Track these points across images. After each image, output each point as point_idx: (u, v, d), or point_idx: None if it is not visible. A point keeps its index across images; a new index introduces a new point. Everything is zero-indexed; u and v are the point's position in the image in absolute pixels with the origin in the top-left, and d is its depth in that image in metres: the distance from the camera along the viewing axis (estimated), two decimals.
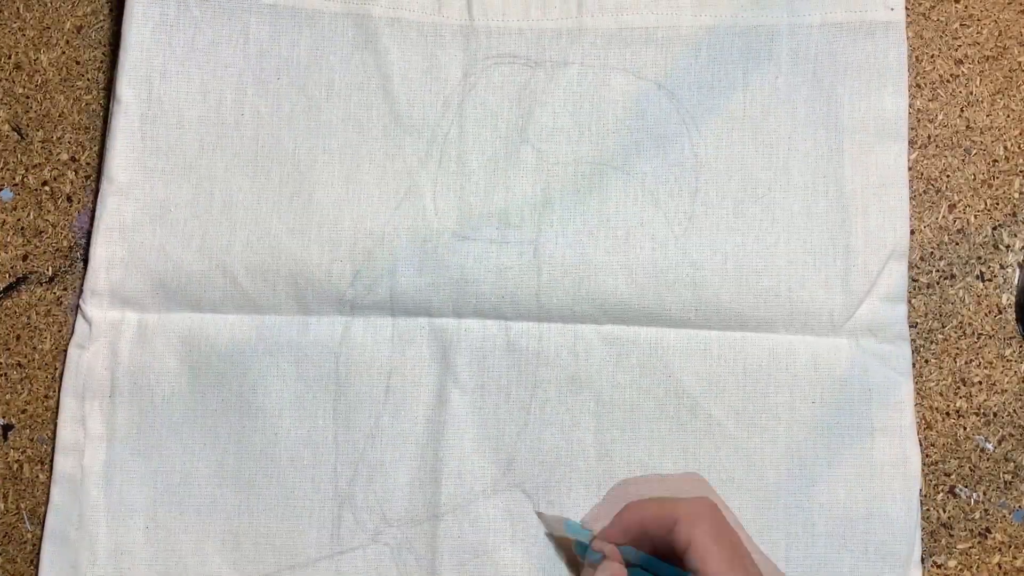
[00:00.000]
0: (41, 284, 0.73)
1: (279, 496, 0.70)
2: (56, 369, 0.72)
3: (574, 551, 0.67)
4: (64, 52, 0.76)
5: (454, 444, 0.70)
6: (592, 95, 0.73)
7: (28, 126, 0.75)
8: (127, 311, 0.72)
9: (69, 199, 0.74)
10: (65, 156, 0.75)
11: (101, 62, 0.76)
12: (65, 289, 0.73)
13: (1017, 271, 0.72)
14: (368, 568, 0.69)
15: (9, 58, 0.76)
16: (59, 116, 0.75)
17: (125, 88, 0.74)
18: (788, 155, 0.72)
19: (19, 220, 0.74)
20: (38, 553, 0.70)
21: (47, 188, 0.74)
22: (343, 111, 0.73)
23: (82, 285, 0.72)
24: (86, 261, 0.72)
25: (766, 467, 0.69)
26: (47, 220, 0.74)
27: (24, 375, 0.72)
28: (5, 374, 0.72)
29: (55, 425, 0.71)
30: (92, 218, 0.72)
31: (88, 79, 0.76)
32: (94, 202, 0.73)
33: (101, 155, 0.73)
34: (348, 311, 0.71)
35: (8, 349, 0.72)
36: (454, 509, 0.69)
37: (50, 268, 0.73)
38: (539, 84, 0.73)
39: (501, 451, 0.69)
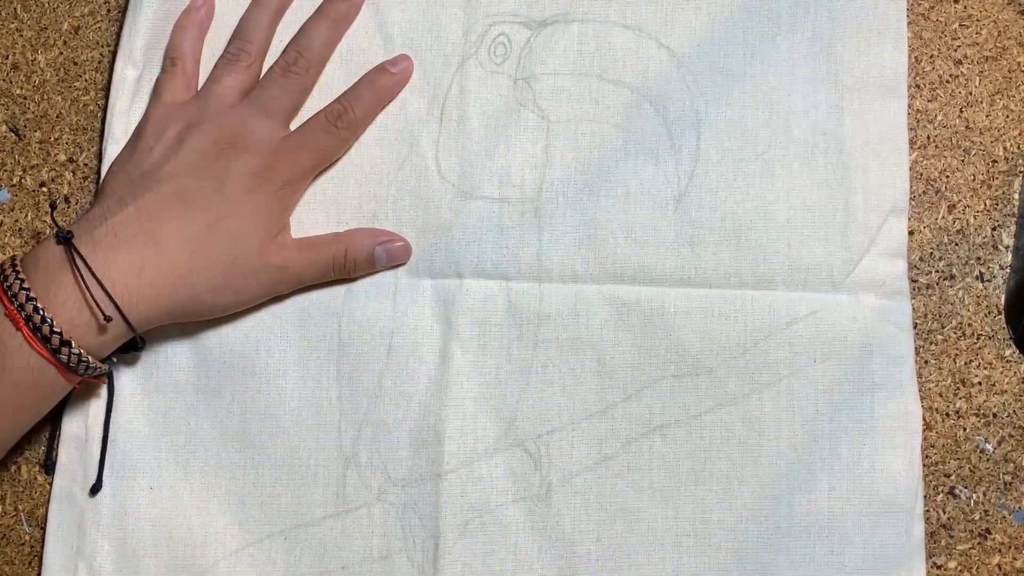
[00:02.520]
0: None
1: (284, 456, 0.71)
2: None
3: None
4: (62, 53, 0.77)
5: (456, 404, 0.71)
6: (593, 53, 0.74)
7: (25, 127, 0.75)
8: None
9: (67, 200, 0.74)
10: (63, 157, 0.75)
11: (99, 63, 0.76)
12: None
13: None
14: (373, 526, 0.70)
15: (6, 59, 0.77)
16: (57, 117, 0.76)
17: (132, 55, 0.75)
18: (788, 113, 0.73)
19: (16, 221, 0.74)
20: (37, 555, 0.70)
21: (45, 189, 0.75)
22: (344, 71, 0.74)
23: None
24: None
25: (767, 424, 0.70)
26: (45, 221, 0.75)
27: None
28: None
29: (52, 425, 0.72)
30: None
31: (86, 80, 0.76)
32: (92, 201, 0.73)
33: (100, 156, 0.74)
34: None
35: None
36: (457, 468, 0.70)
37: None
38: (540, 42, 0.74)
39: (503, 410, 0.71)
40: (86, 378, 0.66)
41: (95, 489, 0.70)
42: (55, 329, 0.62)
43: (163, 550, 0.69)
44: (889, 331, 0.71)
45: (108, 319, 0.64)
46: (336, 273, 0.71)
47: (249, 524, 0.70)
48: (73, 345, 0.63)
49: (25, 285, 0.63)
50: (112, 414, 0.71)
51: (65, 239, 0.64)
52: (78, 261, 0.63)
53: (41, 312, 0.62)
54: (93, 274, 0.63)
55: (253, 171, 0.68)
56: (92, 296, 0.63)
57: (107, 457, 0.71)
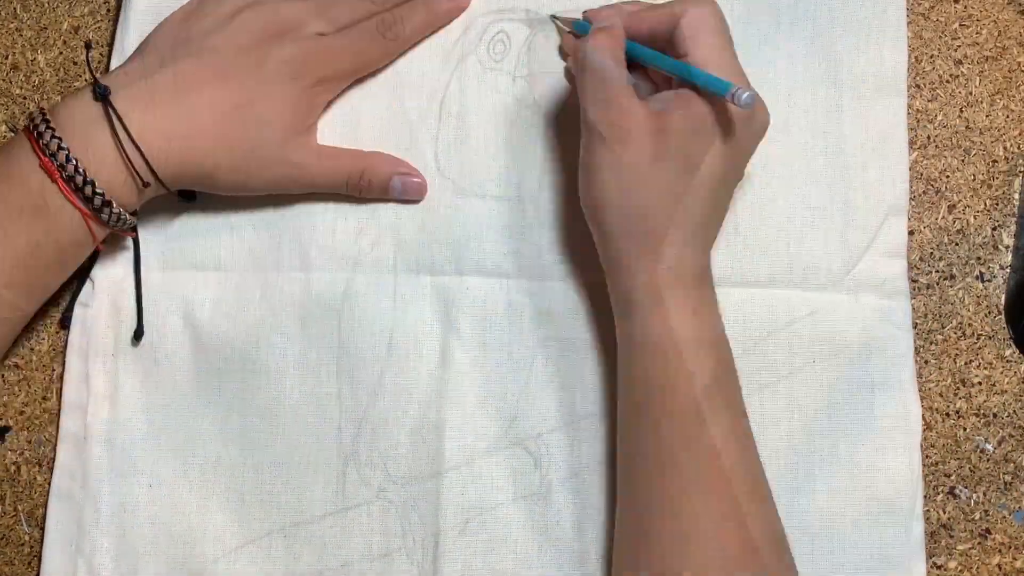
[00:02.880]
0: None
1: (283, 454, 0.71)
2: (54, 371, 0.73)
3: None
4: (61, 53, 0.77)
5: (456, 402, 0.71)
6: None
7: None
8: (130, 269, 0.73)
9: None
10: None
11: (99, 63, 0.76)
12: (62, 291, 0.73)
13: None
14: (372, 524, 0.70)
15: (6, 59, 0.77)
16: None
17: (131, 46, 0.74)
18: (787, 111, 0.73)
19: None
20: (36, 555, 0.70)
21: None
22: None
23: (79, 287, 0.73)
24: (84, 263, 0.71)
25: (767, 423, 0.71)
26: None
27: (21, 377, 0.73)
28: (2, 375, 0.73)
29: (53, 427, 0.72)
30: None
31: (86, 80, 0.76)
32: None
33: None
34: (351, 268, 0.72)
35: (7, 349, 0.72)
36: (457, 466, 0.70)
37: None
38: (540, 40, 0.74)
39: (503, 409, 0.71)
40: (115, 230, 0.67)
41: (138, 335, 0.71)
42: (98, 190, 0.63)
43: (162, 548, 0.70)
44: (888, 331, 0.71)
45: (146, 184, 0.65)
46: (349, 190, 0.71)
47: (249, 522, 0.70)
48: (114, 205, 0.64)
49: (63, 144, 0.63)
50: (112, 412, 0.71)
51: (103, 96, 0.64)
52: (115, 121, 0.64)
53: (83, 173, 0.63)
54: (132, 139, 0.64)
55: (292, 61, 0.68)
56: (129, 158, 0.64)
57: (106, 456, 0.71)
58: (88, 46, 0.73)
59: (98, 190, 0.63)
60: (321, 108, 0.72)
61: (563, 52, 0.73)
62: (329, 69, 0.70)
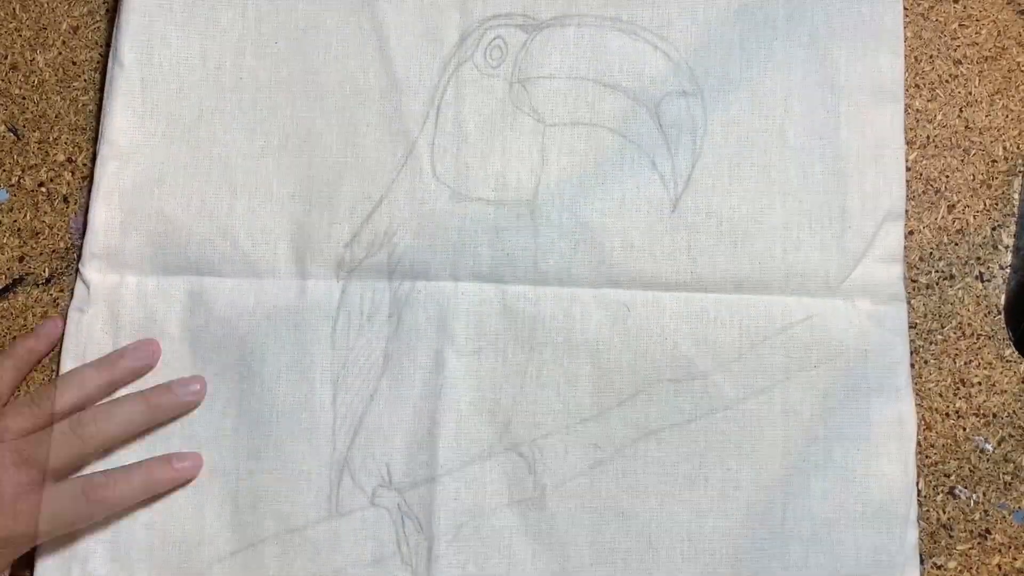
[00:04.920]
0: (37, 286, 0.74)
1: (277, 460, 0.71)
2: (53, 371, 0.73)
3: None
4: (61, 53, 0.77)
5: (451, 407, 0.71)
6: (589, 57, 0.75)
7: (24, 127, 0.76)
8: (126, 274, 0.73)
9: (66, 200, 0.75)
10: (62, 157, 0.75)
11: (98, 63, 0.77)
12: (62, 291, 0.74)
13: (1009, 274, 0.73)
14: (366, 531, 0.70)
15: (5, 58, 0.77)
16: (55, 117, 0.76)
17: (127, 52, 0.76)
18: (784, 117, 0.73)
19: (15, 221, 0.75)
20: (30, 561, 0.70)
21: (43, 189, 0.75)
22: (340, 74, 0.75)
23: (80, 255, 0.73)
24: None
25: (763, 428, 0.71)
26: (43, 221, 0.74)
27: None
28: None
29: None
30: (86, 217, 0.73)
31: (85, 80, 0.76)
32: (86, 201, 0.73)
33: (94, 157, 0.74)
34: (346, 274, 0.72)
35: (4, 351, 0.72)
36: (451, 472, 0.70)
37: (46, 270, 0.74)
38: (536, 46, 0.75)
39: (498, 414, 0.71)
40: None
41: None
42: None
43: (156, 554, 0.69)
44: (884, 336, 0.71)
45: None
46: None
47: (242, 528, 0.70)
48: None
49: None
50: None
51: None
52: None
53: None
54: None
55: None
56: None
57: (100, 462, 0.71)
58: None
59: None
60: (3, 569, 0.67)
61: None
62: (11, 532, 0.65)
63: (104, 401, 0.70)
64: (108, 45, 0.77)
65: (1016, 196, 0.74)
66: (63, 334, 0.72)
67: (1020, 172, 0.74)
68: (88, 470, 0.70)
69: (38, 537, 0.66)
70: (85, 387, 0.69)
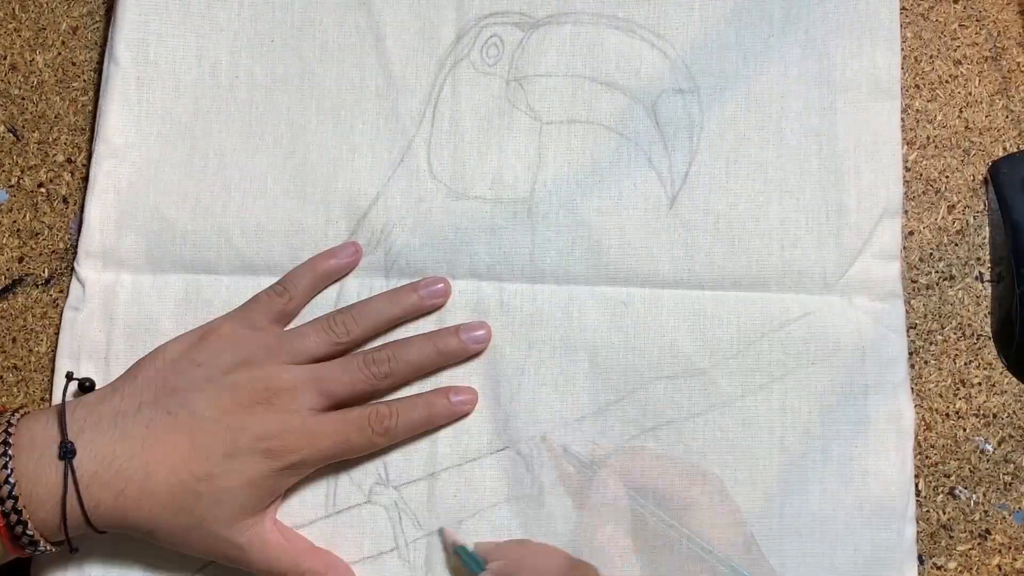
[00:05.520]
0: (37, 286, 0.74)
1: None
2: (53, 372, 0.72)
3: (460, 563, 0.68)
4: (60, 53, 0.77)
5: None
6: (586, 55, 0.75)
7: (24, 127, 0.76)
8: (121, 272, 0.73)
9: (65, 201, 0.75)
10: (61, 158, 0.75)
11: (97, 63, 0.77)
12: (61, 291, 0.74)
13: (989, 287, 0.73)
14: (364, 528, 0.70)
15: (5, 59, 0.77)
16: (55, 117, 0.76)
17: (123, 51, 0.76)
18: (781, 114, 0.74)
19: (15, 222, 0.75)
20: (27, 561, 0.70)
21: (43, 190, 0.75)
22: (336, 72, 0.75)
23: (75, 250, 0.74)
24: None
25: (760, 425, 0.71)
26: (43, 222, 0.75)
27: (20, 378, 0.73)
28: (1, 377, 0.73)
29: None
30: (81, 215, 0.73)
31: (84, 80, 0.76)
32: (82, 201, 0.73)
33: (90, 156, 0.74)
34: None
35: (4, 352, 0.73)
36: (449, 469, 0.70)
37: (46, 270, 0.74)
38: (532, 44, 0.75)
39: (496, 411, 0.71)
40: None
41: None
42: (28, 531, 0.62)
43: (153, 551, 0.69)
44: (882, 333, 0.71)
45: (75, 550, 0.64)
46: None
47: None
48: (41, 544, 0.63)
49: (11, 478, 0.62)
50: None
51: (66, 457, 0.63)
52: (71, 488, 0.62)
53: (20, 512, 0.61)
54: (83, 508, 0.63)
55: (268, 438, 0.65)
56: (65, 516, 0.63)
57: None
58: (83, 387, 0.70)
59: (29, 531, 0.62)
60: (286, 487, 0.68)
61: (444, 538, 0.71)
62: (305, 454, 0.66)
63: (396, 340, 0.71)
64: (102, 46, 0.77)
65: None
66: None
67: (983, 199, 0.74)
68: None
69: (326, 460, 0.68)
70: (381, 318, 0.71)
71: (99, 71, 0.77)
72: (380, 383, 0.69)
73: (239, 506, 0.65)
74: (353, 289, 0.72)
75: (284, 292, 0.70)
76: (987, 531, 0.71)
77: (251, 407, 0.65)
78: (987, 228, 0.74)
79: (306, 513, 0.70)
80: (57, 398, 0.70)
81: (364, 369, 0.68)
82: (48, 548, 0.64)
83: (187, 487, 0.64)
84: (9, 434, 0.63)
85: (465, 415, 0.70)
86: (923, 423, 0.71)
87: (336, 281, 0.72)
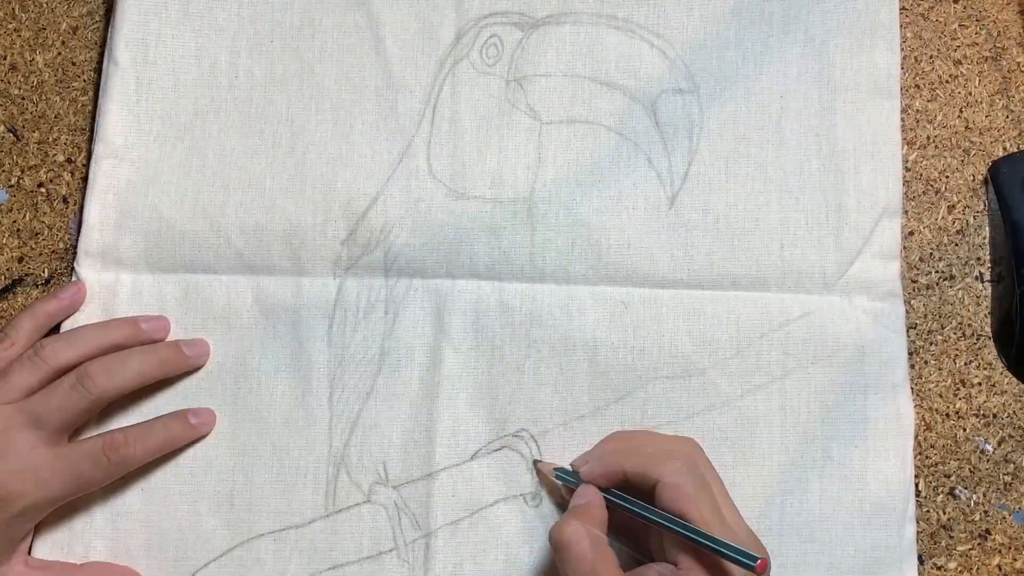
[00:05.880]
0: (37, 286, 0.74)
1: (274, 458, 0.71)
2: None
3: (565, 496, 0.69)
4: (60, 53, 0.77)
5: (448, 404, 0.71)
6: (585, 55, 0.75)
7: (24, 127, 0.76)
8: (121, 272, 0.73)
9: (65, 201, 0.75)
10: (61, 158, 0.75)
11: (97, 63, 0.77)
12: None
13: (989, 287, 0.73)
14: (363, 527, 0.70)
15: (5, 59, 0.77)
16: (55, 117, 0.76)
17: (122, 51, 0.76)
18: (780, 114, 0.74)
19: (15, 222, 0.75)
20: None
21: (43, 190, 0.75)
22: (336, 72, 0.75)
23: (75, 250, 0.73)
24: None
25: (760, 425, 0.71)
26: (43, 222, 0.74)
27: None
28: None
29: None
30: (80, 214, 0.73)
31: (84, 80, 0.77)
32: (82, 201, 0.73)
33: (89, 156, 0.74)
34: (342, 272, 0.72)
35: None
36: (448, 468, 0.70)
37: (46, 270, 0.74)
38: (532, 44, 0.75)
39: (495, 411, 0.71)
40: None
41: None
42: None
43: (155, 550, 0.69)
44: (882, 333, 0.71)
45: None
46: None
47: (238, 525, 0.70)
48: None
49: None
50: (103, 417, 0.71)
51: None
52: None
53: None
54: None
55: None
56: None
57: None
58: None
59: None
60: (28, 534, 0.67)
61: (541, 473, 0.71)
62: (34, 497, 0.64)
63: (110, 355, 0.70)
64: (101, 47, 0.77)
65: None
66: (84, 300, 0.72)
67: (984, 199, 0.74)
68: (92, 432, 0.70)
69: (60, 499, 0.66)
70: (87, 343, 0.69)
71: (99, 71, 0.77)
72: (91, 394, 0.66)
73: None
74: (352, 289, 0.72)
75: (5, 338, 0.68)
76: (987, 531, 0.71)
77: None
78: (987, 228, 0.74)
79: (305, 513, 0.70)
80: None
81: (76, 387, 0.66)
82: None
83: None
84: None
85: (204, 436, 0.70)
86: (923, 423, 0.71)
87: (59, 323, 0.72)
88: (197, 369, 0.71)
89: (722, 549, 0.58)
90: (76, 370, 0.67)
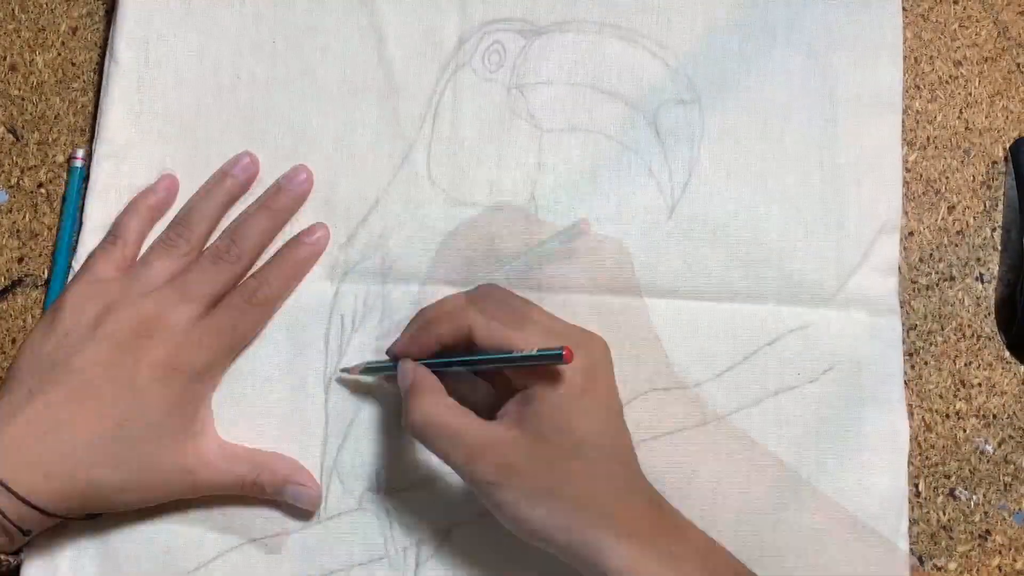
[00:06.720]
0: (37, 287, 0.74)
1: None
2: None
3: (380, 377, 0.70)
4: (60, 54, 0.77)
5: None
6: (587, 63, 0.74)
7: (24, 128, 0.76)
8: None
9: (65, 201, 0.74)
10: (61, 158, 0.75)
11: (97, 64, 0.77)
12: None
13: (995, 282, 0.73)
14: (355, 534, 0.70)
15: (4, 59, 0.77)
16: (55, 118, 0.76)
17: (123, 50, 0.75)
18: (782, 126, 0.73)
19: (14, 223, 0.75)
20: (17, 564, 0.69)
21: (43, 190, 0.75)
22: (338, 74, 0.75)
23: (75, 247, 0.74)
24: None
25: (755, 438, 0.70)
26: (43, 223, 0.74)
27: None
28: (1, 377, 0.72)
29: None
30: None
31: (84, 81, 0.76)
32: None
33: (89, 156, 0.74)
34: (340, 277, 0.72)
35: (3, 352, 0.73)
36: (441, 476, 0.70)
37: (45, 271, 0.74)
38: (534, 51, 0.75)
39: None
40: None
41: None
42: None
43: (143, 555, 0.69)
44: (879, 348, 0.71)
45: (27, 532, 0.64)
46: (244, 491, 0.68)
47: (229, 531, 0.69)
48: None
49: None
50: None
51: None
52: None
53: None
54: (22, 499, 0.62)
55: (163, 362, 0.66)
56: (5, 515, 0.62)
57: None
58: None
59: None
60: (206, 402, 0.69)
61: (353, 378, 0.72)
62: (203, 358, 0.67)
63: (227, 225, 0.72)
64: (102, 47, 0.77)
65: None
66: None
67: (1002, 174, 0.74)
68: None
69: (224, 358, 0.70)
70: (211, 214, 0.72)
71: (99, 71, 0.77)
72: (236, 266, 0.70)
73: (167, 434, 0.66)
74: (349, 295, 0.72)
75: (116, 239, 0.71)
76: (987, 532, 0.71)
77: (133, 345, 0.66)
78: (989, 226, 0.74)
79: (297, 518, 0.70)
80: None
81: (216, 262, 0.69)
82: (8, 560, 0.65)
83: (112, 438, 0.64)
84: None
85: (323, 250, 0.72)
86: (923, 424, 0.71)
87: (162, 216, 0.73)
88: (307, 196, 0.73)
89: (527, 360, 0.60)
90: (211, 248, 0.70)
